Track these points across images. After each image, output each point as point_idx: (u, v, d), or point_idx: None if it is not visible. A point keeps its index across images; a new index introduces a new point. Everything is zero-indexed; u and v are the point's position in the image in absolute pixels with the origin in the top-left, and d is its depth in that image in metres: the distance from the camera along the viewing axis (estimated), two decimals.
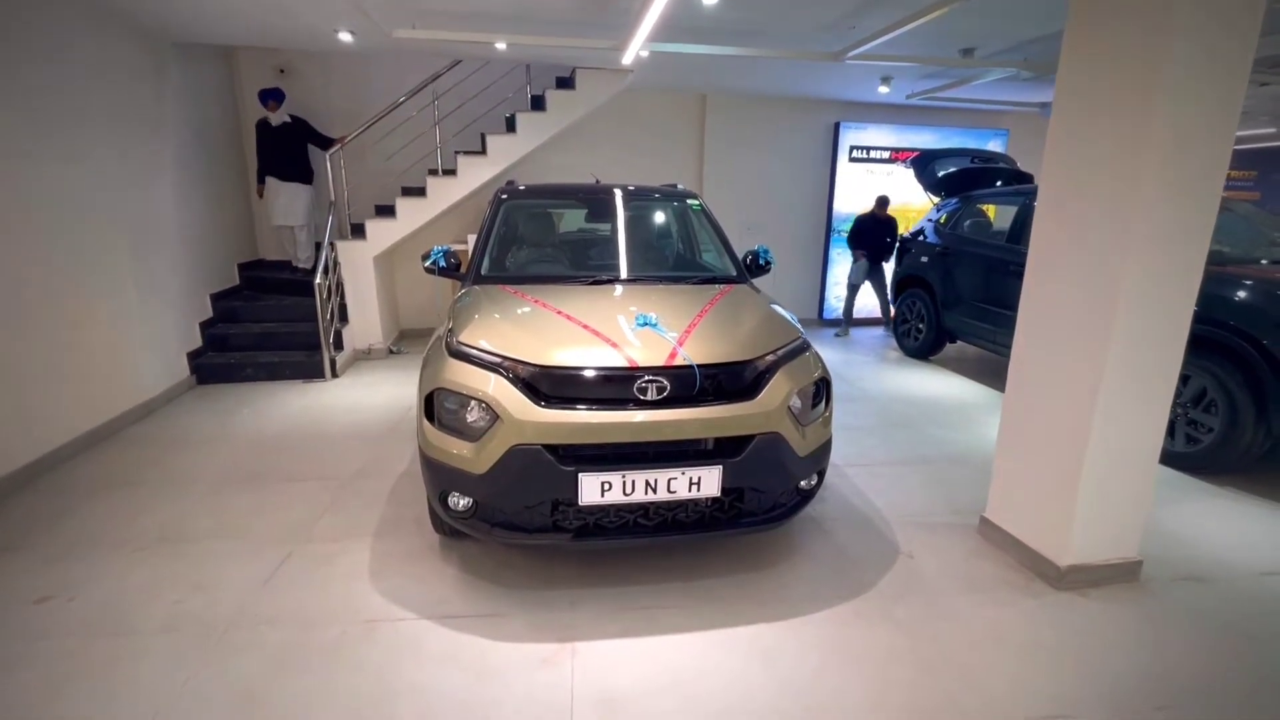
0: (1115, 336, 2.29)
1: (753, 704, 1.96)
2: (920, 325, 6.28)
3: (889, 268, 6.97)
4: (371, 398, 4.89)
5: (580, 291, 2.91)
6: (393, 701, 1.95)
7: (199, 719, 1.88)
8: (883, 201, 6.86)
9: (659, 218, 3.91)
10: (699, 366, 2.26)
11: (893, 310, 6.80)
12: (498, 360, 2.29)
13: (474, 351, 2.34)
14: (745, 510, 2.39)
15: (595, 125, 6.80)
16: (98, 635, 2.22)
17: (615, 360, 2.25)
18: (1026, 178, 6.49)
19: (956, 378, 5.71)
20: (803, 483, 2.50)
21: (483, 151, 5.85)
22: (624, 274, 3.16)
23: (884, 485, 3.46)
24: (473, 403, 2.25)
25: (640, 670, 2.09)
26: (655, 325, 2.42)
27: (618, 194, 3.58)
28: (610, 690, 2.00)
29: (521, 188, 3.75)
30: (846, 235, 7.22)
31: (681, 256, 3.83)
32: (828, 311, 8.04)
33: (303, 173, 5.82)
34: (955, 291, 5.75)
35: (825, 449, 2.56)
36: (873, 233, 6.89)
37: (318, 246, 5.67)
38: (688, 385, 2.27)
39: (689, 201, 3.70)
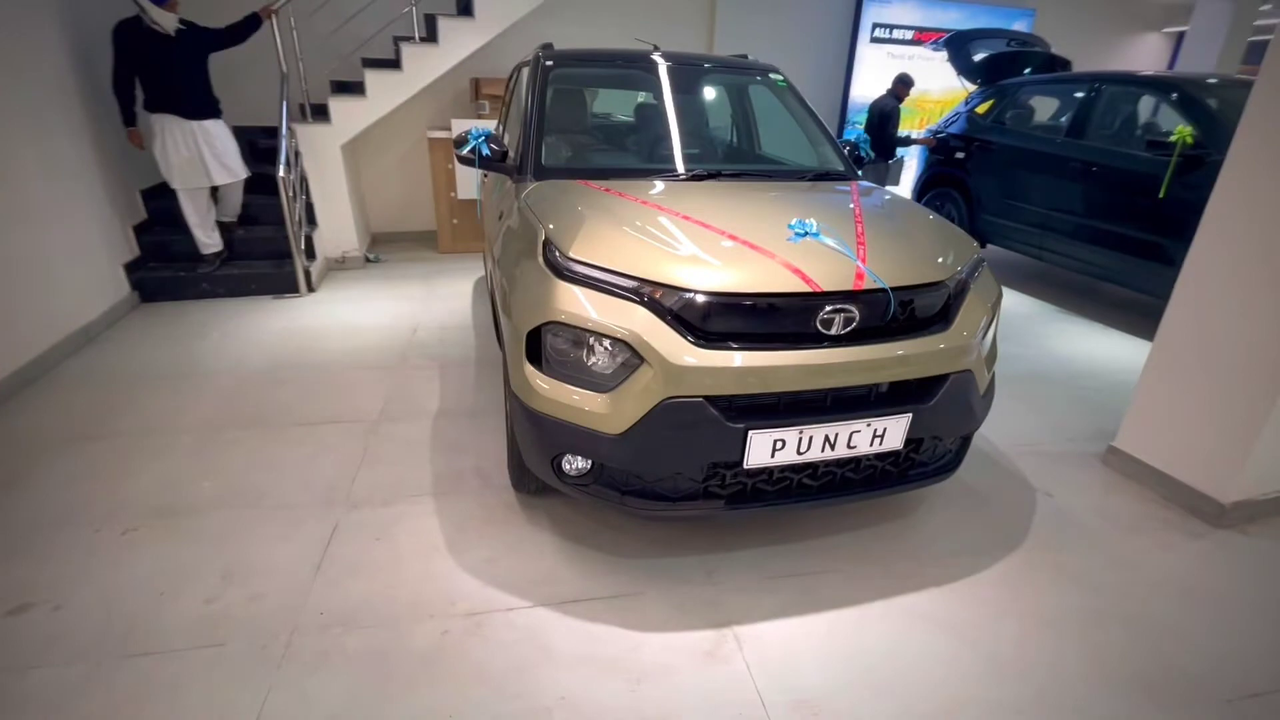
0: None
1: (970, 692, 1.66)
2: None
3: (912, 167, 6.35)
4: (365, 317, 4.15)
5: (688, 189, 2.29)
6: None
7: None
8: (904, 80, 5.66)
9: (743, 96, 3.21)
10: (893, 290, 1.77)
11: None
12: (634, 284, 1.71)
13: (596, 273, 1.73)
14: (917, 462, 2.00)
15: None
16: (110, 657, 1.67)
17: (794, 284, 1.71)
18: (1064, 63, 5.97)
19: None
20: None
21: (468, 13, 4.79)
22: (721, 166, 2.53)
23: None
24: (598, 341, 1.70)
25: (822, 658, 1.75)
26: (819, 235, 1.87)
27: (689, 65, 2.86)
28: (801, 689, 1.65)
29: (557, 53, 2.91)
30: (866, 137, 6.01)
31: (776, 146, 3.17)
32: None
33: (214, 103, 4.11)
34: (995, 191, 5.33)
35: (993, 383, 2.17)
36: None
37: (271, 133, 4.58)
38: (877, 314, 1.78)
39: (773, 76, 3.01)
